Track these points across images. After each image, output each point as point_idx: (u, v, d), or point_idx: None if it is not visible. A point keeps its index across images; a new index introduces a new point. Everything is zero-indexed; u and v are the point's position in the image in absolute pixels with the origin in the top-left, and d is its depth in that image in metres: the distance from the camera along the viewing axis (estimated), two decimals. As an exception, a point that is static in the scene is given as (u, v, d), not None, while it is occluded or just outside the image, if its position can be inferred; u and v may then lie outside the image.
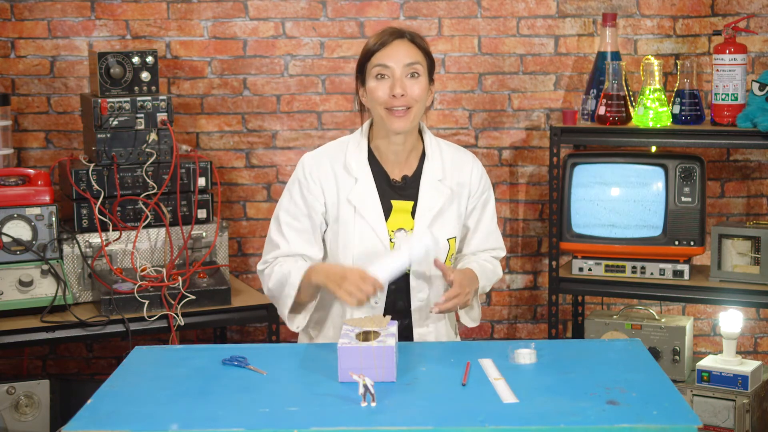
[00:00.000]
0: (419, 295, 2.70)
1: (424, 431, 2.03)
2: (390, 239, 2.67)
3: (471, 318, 2.79)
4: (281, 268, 2.66)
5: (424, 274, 2.69)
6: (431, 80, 2.70)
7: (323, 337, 2.77)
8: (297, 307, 2.70)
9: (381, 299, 2.67)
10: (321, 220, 2.71)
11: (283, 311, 2.69)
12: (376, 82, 2.64)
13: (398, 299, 2.71)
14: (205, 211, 3.76)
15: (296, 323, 2.71)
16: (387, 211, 2.69)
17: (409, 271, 2.67)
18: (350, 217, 2.68)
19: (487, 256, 2.83)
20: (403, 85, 2.61)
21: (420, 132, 2.77)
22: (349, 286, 2.49)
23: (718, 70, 3.77)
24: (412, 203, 2.71)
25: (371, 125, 2.76)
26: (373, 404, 2.13)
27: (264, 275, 2.72)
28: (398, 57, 2.62)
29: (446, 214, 2.72)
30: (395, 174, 2.73)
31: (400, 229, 2.69)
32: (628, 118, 3.89)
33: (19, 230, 3.52)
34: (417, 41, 2.66)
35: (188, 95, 4.17)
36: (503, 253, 2.88)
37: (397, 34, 2.66)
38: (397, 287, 2.69)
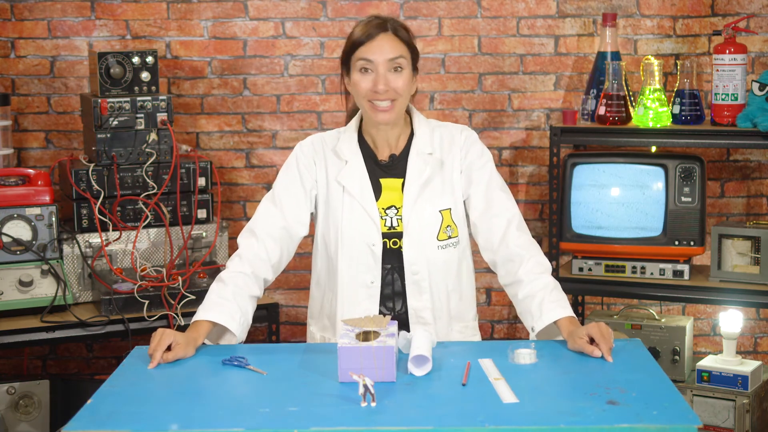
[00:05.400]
0: (413, 267, 2.69)
1: (424, 431, 2.03)
2: (381, 217, 2.69)
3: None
4: (219, 286, 2.68)
5: (416, 249, 2.69)
6: (415, 69, 2.71)
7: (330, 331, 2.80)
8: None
9: (377, 277, 2.68)
10: (313, 191, 2.74)
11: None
12: (360, 76, 2.65)
13: (394, 276, 2.71)
14: (205, 211, 3.76)
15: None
16: (378, 191, 2.71)
17: (401, 246, 2.68)
18: (339, 197, 2.70)
19: (539, 279, 2.62)
20: (386, 80, 2.63)
21: (409, 114, 2.79)
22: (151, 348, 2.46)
23: (718, 70, 3.77)
24: (401, 180, 2.72)
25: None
26: (373, 404, 2.13)
27: (229, 260, 2.71)
28: (382, 52, 2.63)
29: (434, 183, 2.71)
30: (384, 155, 2.75)
31: (390, 207, 2.70)
32: (628, 118, 3.89)
33: (19, 230, 3.52)
34: (400, 34, 2.67)
35: (188, 95, 4.17)
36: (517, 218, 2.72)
37: (382, 27, 2.66)
38: (392, 266, 2.70)
